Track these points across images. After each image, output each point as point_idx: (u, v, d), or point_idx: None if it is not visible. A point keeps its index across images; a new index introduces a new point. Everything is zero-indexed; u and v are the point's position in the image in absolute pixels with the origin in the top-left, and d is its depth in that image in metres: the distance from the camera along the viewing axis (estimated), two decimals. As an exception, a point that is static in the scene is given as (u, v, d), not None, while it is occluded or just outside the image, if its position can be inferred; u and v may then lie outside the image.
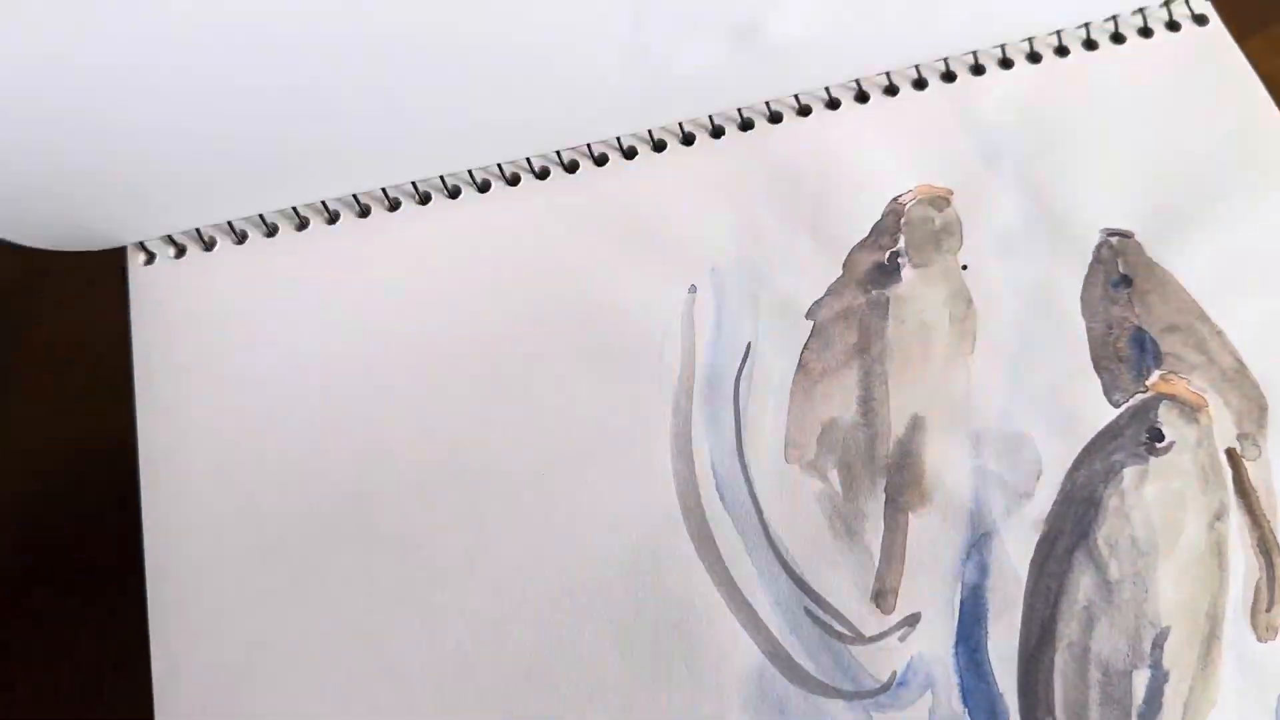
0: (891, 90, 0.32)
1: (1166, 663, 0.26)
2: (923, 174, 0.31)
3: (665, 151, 0.31)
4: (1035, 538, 0.27)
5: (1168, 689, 0.26)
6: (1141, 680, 0.26)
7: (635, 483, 0.28)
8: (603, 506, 0.28)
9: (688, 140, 0.32)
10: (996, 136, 0.32)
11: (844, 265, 0.30)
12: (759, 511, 0.28)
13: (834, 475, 0.28)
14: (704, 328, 0.29)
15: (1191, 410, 0.28)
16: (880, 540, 0.27)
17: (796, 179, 0.31)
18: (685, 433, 0.28)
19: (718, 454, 0.28)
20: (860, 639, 0.26)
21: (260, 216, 0.30)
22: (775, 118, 0.32)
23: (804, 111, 0.32)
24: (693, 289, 0.30)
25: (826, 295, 0.30)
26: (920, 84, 0.32)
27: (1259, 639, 0.26)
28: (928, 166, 0.31)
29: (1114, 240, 0.30)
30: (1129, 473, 0.27)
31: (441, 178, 0.31)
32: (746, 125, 0.32)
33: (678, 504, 0.27)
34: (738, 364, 0.29)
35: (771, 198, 0.31)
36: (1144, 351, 0.29)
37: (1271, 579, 0.26)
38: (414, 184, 0.31)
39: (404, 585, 0.27)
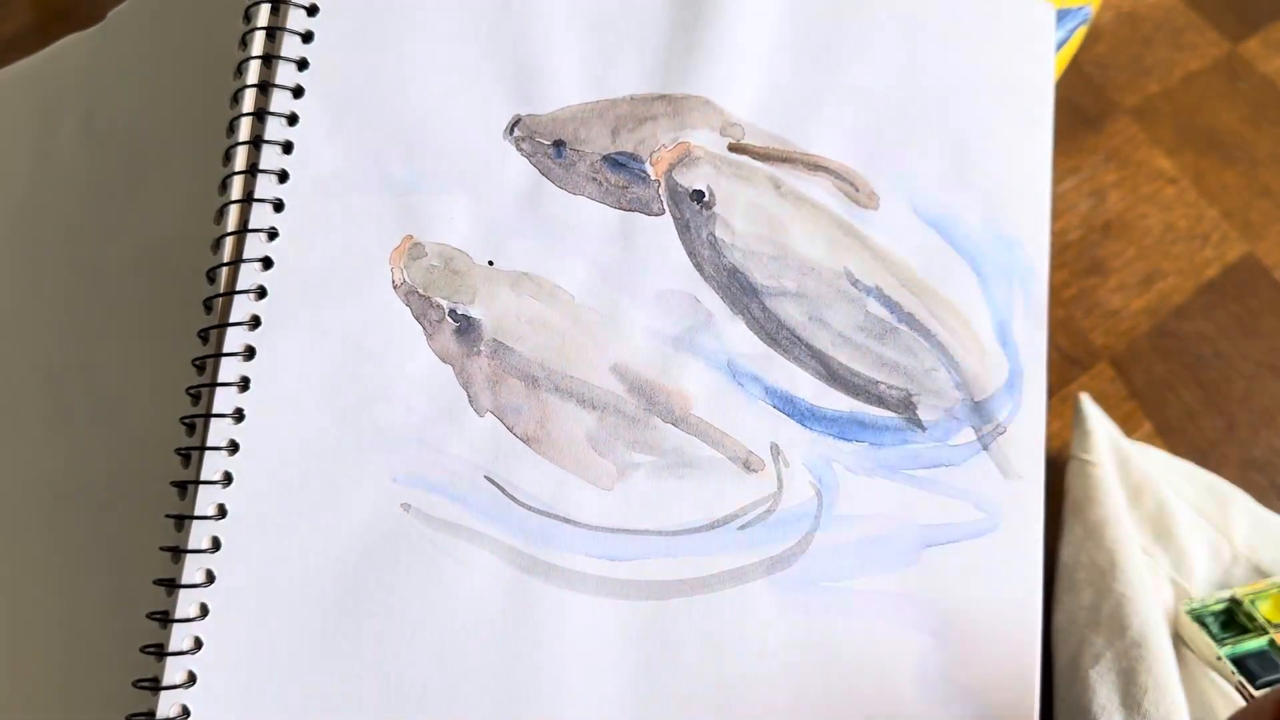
0: None
1: (889, 292, 0.33)
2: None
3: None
4: (742, 325, 0.32)
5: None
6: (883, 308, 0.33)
7: None
8: None
9: None
10: None
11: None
12: (646, 529, 0.30)
13: (638, 457, 0.31)
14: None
15: (689, 159, 0.33)
16: (702, 446, 0.31)
17: None
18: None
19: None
20: (778, 497, 0.31)
21: None
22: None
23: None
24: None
25: (473, 395, 0.31)
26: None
27: (874, 208, 0.34)
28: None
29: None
30: (719, 231, 0.33)
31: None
32: None
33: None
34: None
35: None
36: (626, 167, 0.33)
37: (841, 178, 0.34)
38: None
39: None
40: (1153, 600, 0.40)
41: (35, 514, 0.34)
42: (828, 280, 0.33)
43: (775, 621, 0.30)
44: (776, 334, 0.32)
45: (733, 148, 0.33)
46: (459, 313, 0.32)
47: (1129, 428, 0.52)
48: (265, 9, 0.33)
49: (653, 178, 0.33)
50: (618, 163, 0.33)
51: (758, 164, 0.33)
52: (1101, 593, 0.41)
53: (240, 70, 0.33)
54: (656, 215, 0.33)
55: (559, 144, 0.33)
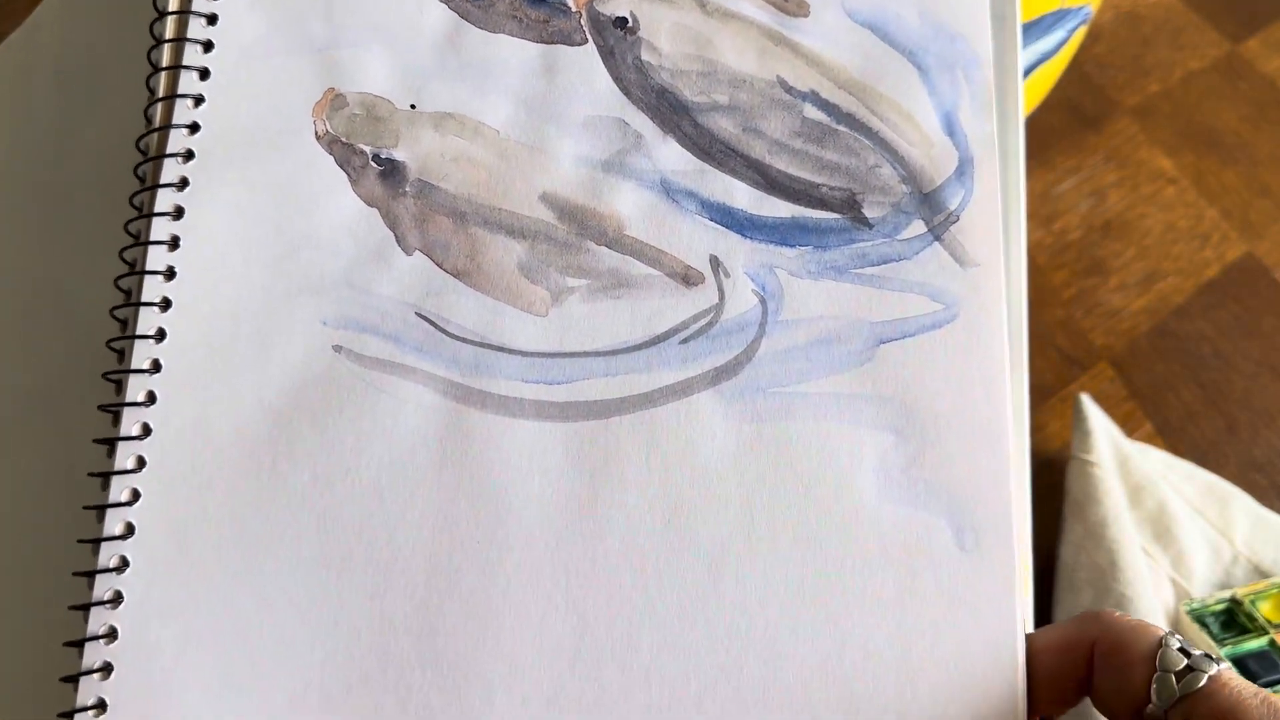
0: None
1: (826, 95, 0.32)
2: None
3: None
4: (674, 144, 0.32)
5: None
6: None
7: None
8: None
9: None
10: None
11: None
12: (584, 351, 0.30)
13: (573, 281, 0.30)
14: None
15: (610, -17, 0.33)
16: (638, 265, 0.30)
17: None
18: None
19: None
20: (720, 308, 0.30)
21: None
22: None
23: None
24: None
25: (400, 235, 0.31)
26: None
27: (804, 15, 0.33)
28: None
29: None
30: (644, 55, 0.32)
31: None
32: None
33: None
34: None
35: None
36: (545, 1, 0.33)
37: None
38: None
39: None
40: (1153, 600, 0.41)
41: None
42: (760, 90, 0.32)
43: (724, 430, 0.29)
44: (710, 148, 0.31)
45: (656, -29, 0.33)
46: (383, 157, 0.32)
47: (1129, 428, 0.52)
48: (184, -109, 0.34)
49: (573, 9, 0.33)
50: (537, -1, 0.33)
51: (682, -14, 0.33)
52: (1101, 593, 0.42)
53: (164, -48, 0.34)
54: (579, 45, 0.32)
55: (477, -14, 0.33)
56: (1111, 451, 0.46)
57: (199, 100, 0.32)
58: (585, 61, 0.32)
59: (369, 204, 0.31)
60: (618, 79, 0.32)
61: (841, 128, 0.31)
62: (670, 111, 0.32)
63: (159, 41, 0.32)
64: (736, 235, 0.30)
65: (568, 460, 0.29)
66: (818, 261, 0.30)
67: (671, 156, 0.31)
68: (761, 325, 0.29)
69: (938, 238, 0.30)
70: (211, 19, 0.33)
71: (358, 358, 0.30)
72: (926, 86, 0.31)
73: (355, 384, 0.29)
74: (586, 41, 0.32)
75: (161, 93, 0.32)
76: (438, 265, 0.30)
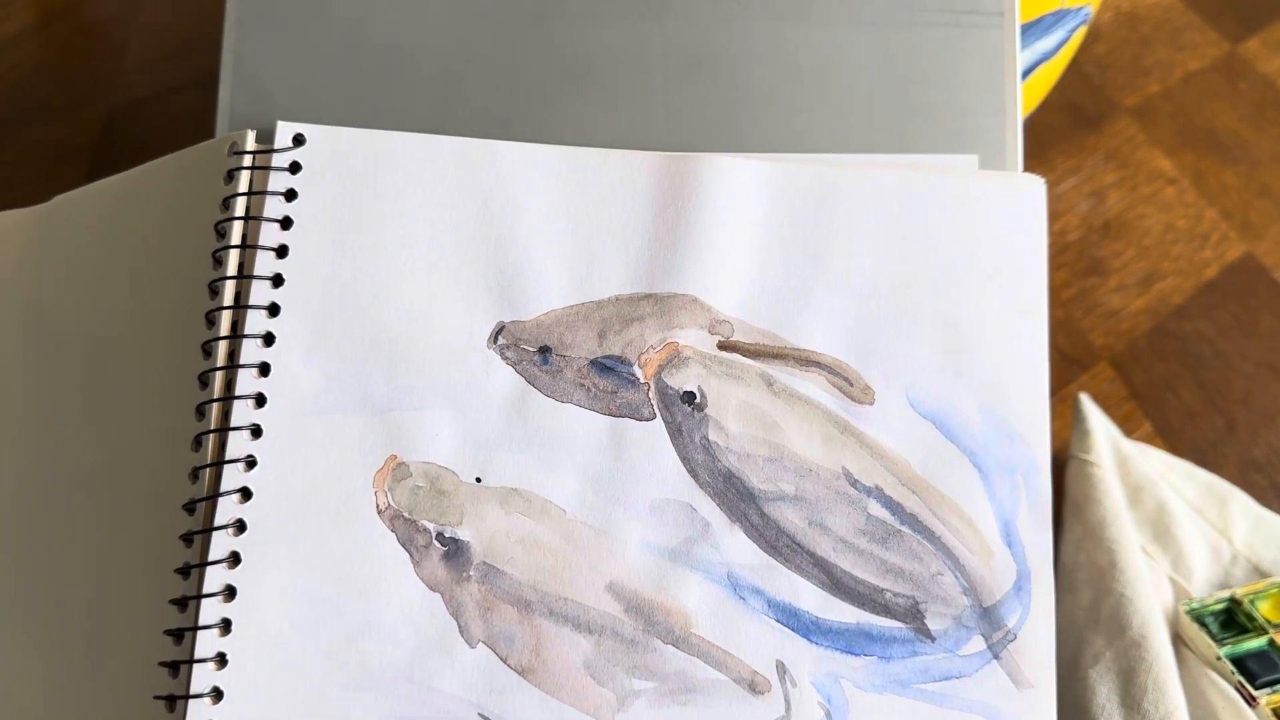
0: None
1: (890, 492, 0.32)
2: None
3: None
4: (740, 534, 0.32)
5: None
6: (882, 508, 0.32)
7: None
8: None
9: None
10: None
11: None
12: None
13: (639, 684, 0.30)
14: None
15: (678, 359, 0.33)
16: (705, 668, 0.30)
17: None
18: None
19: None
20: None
21: None
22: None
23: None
24: None
25: (463, 624, 0.30)
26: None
27: (870, 403, 0.33)
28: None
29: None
30: (712, 434, 0.32)
31: None
32: None
33: None
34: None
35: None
36: (614, 371, 0.33)
37: (835, 373, 0.33)
38: None
39: None
40: (1152, 600, 0.41)
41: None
42: (826, 482, 0.32)
43: None
44: (776, 542, 0.31)
45: (723, 346, 0.33)
46: (447, 535, 0.31)
47: (1129, 428, 0.52)
48: (237, 226, 0.32)
49: (642, 380, 0.32)
50: (606, 367, 0.32)
51: (749, 361, 0.33)
52: (1101, 593, 0.41)
53: (214, 290, 0.32)
54: (647, 420, 0.32)
55: (544, 350, 0.32)
56: (1111, 451, 0.46)
57: (251, 463, 0.31)
58: (652, 439, 0.32)
59: (431, 588, 0.30)
60: (685, 459, 0.32)
61: (905, 529, 0.32)
62: (737, 499, 0.32)
63: (209, 400, 0.31)
64: (803, 639, 0.31)
65: None
66: (882, 674, 0.30)
67: (739, 548, 0.31)
68: (827, 742, 0.30)
69: (996, 656, 0.31)
70: (263, 369, 0.31)
71: (418, 764, 0.29)
72: (987, 491, 0.32)
73: None
74: (654, 417, 0.32)
75: (210, 457, 0.31)
76: (502, 660, 0.30)
